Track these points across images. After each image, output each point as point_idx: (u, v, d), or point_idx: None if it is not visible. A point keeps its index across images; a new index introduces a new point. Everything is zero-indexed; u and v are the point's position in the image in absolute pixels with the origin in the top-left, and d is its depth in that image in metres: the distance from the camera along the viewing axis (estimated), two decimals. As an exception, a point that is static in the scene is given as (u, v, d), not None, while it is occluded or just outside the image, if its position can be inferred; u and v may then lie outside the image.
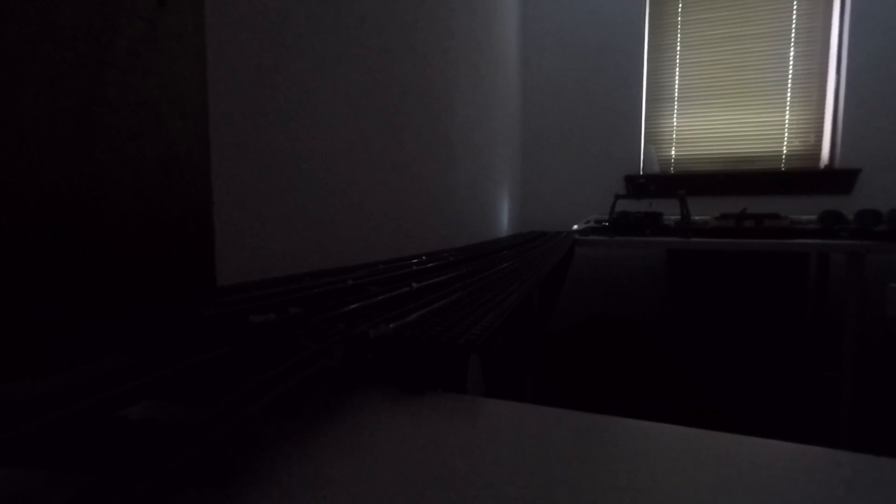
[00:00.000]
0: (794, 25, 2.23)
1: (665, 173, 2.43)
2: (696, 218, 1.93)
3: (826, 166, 2.21)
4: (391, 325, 0.34)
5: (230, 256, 0.60)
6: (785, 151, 2.29)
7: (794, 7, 2.22)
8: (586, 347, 2.02)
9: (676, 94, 2.42)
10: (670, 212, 2.08)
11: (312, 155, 0.79)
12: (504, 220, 2.25)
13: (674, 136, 2.44)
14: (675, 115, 2.43)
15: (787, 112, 2.27)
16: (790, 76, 2.25)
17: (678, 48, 2.40)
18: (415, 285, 0.52)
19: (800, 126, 2.26)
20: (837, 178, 2.16)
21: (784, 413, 1.85)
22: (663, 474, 0.20)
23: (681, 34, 2.39)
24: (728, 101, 2.34)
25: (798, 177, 2.23)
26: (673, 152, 2.45)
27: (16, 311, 0.37)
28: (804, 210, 2.16)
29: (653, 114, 2.46)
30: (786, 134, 2.29)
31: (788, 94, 2.26)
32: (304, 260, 0.76)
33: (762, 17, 2.26)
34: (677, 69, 2.41)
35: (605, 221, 1.92)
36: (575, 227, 2.01)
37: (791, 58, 2.24)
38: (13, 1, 0.37)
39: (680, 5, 2.37)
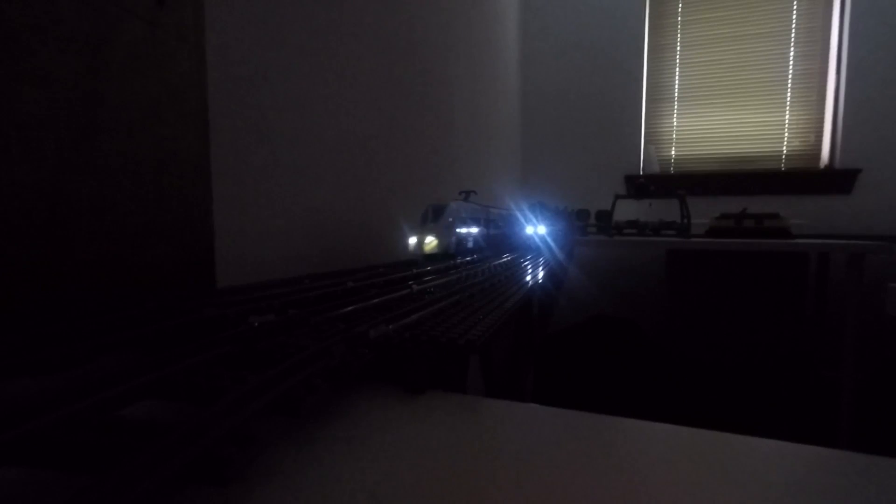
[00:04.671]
0: (794, 25, 2.23)
1: (665, 173, 2.43)
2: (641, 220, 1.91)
3: (826, 166, 2.21)
4: (391, 326, 0.34)
5: (230, 258, 0.60)
6: (785, 151, 2.29)
7: (794, 7, 2.22)
8: (586, 347, 2.02)
9: (676, 94, 2.42)
10: (671, 212, 2.08)
11: (313, 156, 0.79)
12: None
13: (674, 136, 2.44)
14: (675, 115, 2.43)
15: (787, 112, 2.27)
16: (790, 76, 2.25)
17: (678, 48, 2.40)
18: (415, 287, 0.52)
19: (800, 126, 2.27)
20: (837, 178, 2.16)
21: (784, 413, 1.85)
22: (663, 474, 0.20)
23: (681, 34, 2.39)
24: (728, 101, 2.34)
25: (798, 177, 2.23)
26: (673, 152, 2.45)
27: (16, 310, 0.37)
28: (804, 210, 2.16)
29: (653, 114, 2.46)
30: (786, 134, 2.29)
31: (788, 94, 2.26)
32: (305, 262, 0.76)
33: (762, 17, 2.26)
34: (677, 69, 2.41)
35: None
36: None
37: (791, 58, 2.24)
38: (14, 1, 0.37)
39: (680, 5, 2.37)
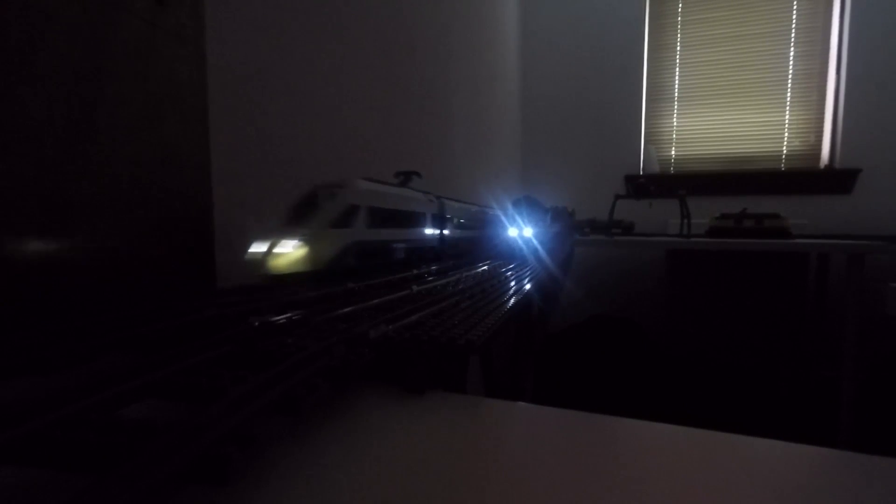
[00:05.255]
0: (794, 25, 2.23)
1: (665, 173, 2.43)
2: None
3: (826, 166, 2.21)
4: (391, 326, 0.34)
5: (230, 258, 0.60)
6: (785, 151, 2.29)
7: (794, 7, 2.22)
8: (586, 347, 2.02)
9: (676, 94, 2.42)
10: (670, 212, 2.07)
11: (313, 156, 0.78)
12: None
13: (674, 136, 2.44)
14: (675, 115, 2.43)
15: (787, 112, 2.27)
16: (790, 76, 2.25)
17: (678, 48, 2.39)
18: (415, 288, 0.52)
19: (800, 126, 2.26)
20: (837, 178, 2.16)
21: (784, 413, 1.85)
22: (663, 474, 0.20)
23: (681, 34, 2.39)
24: (728, 101, 2.34)
25: (798, 177, 2.23)
26: (673, 152, 2.45)
27: (16, 310, 0.37)
28: (804, 210, 2.16)
29: (653, 114, 2.46)
30: (786, 134, 2.29)
31: (788, 94, 2.26)
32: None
33: (762, 17, 2.26)
34: (677, 69, 2.40)
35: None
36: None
37: (791, 58, 2.24)
38: (14, 1, 0.37)
39: (680, 5, 2.37)
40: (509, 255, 1.01)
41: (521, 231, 1.10)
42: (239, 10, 0.62)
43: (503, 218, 1.08)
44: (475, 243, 0.95)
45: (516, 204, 1.21)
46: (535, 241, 1.11)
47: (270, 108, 0.69)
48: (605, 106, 2.47)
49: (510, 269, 0.75)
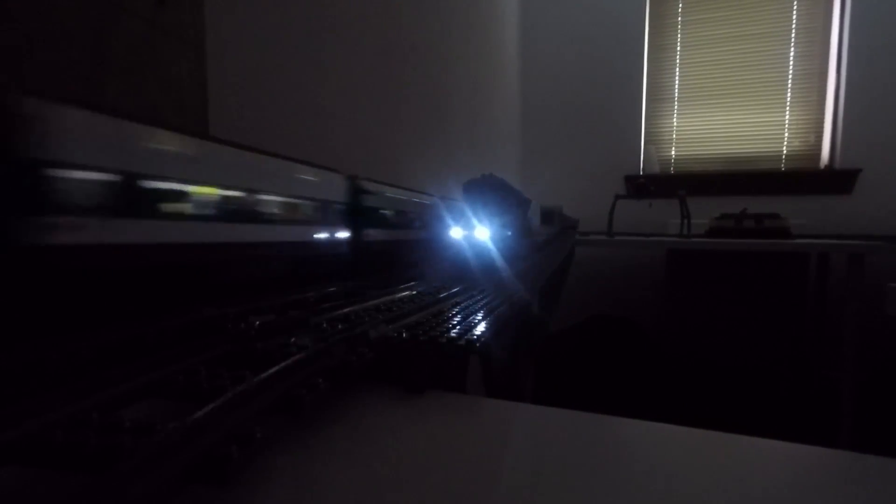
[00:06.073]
0: (794, 25, 2.23)
1: (665, 173, 2.43)
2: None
3: (826, 166, 2.21)
4: (391, 326, 0.34)
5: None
6: (785, 151, 2.29)
7: (794, 7, 2.22)
8: (586, 347, 2.02)
9: (676, 94, 2.42)
10: (670, 212, 2.07)
11: (313, 156, 0.78)
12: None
13: (674, 136, 2.44)
14: (675, 115, 2.43)
15: (787, 112, 2.27)
16: (790, 76, 2.25)
17: (678, 48, 2.39)
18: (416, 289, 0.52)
19: (800, 126, 2.26)
20: (837, 178, 2.16)
21: (784, 413, 1.85)
22: (663, 474, 0.20)
23: (681, 34, 2.39)
24: (728, 101, 2.34)
25: (798, 177, 2.23)
26: (673, 152, 2.45)
27: (15, 310, 0.37)
28: (804, 210, 2.16)
29: (653, 114, 2.46)
30: (786, 134, 2.28)
31: (788, 94, 2.26)
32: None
33: (762, 17, 2.26)
34: (677, 69, 2.40)
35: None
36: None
37: (791, 58, 2.24)
38: (14, 1, 0.37)
39: (680, 5, 2.37)
40: (439, 273, 0.61)
41: (472, 231, 0.69)
42: (239, 10, 0.62)
43: (443, 210, 0.67)
44: (387, 250, 0.55)
45: (469, 190, 0.71)
46: (494, 248, 0.67)
47: (270, 108, 0.69)
48: (605, 106, 2.47)
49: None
